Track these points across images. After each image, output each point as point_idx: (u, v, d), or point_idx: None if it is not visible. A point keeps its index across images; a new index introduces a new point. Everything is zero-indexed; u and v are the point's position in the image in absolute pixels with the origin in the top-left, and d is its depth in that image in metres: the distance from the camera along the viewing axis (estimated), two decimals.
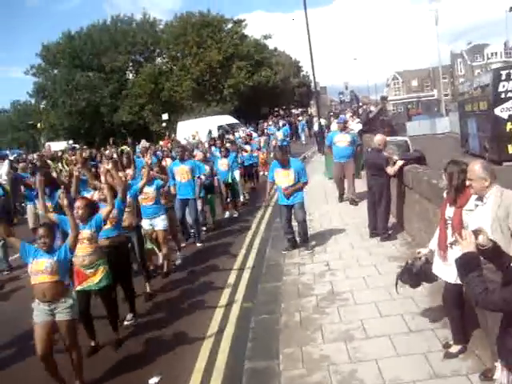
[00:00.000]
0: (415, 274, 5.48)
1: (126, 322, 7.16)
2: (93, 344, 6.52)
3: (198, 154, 13.35)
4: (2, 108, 77.08)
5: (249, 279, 8.65)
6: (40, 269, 5.24)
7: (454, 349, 5.13)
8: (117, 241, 7.02)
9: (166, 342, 6.61)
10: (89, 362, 6.05)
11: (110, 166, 7.58)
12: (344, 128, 13.30)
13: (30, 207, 11.82)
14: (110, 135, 52.67)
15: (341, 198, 13.20)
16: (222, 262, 9.88)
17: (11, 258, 10.87)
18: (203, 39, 49.73)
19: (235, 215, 14.02)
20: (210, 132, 27.68)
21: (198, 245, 11.07)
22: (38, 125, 49.79)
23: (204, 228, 12.26)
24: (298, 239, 9.72)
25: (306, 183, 9.52)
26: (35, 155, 25.58)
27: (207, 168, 12.07)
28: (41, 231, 5.39)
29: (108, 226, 6.82)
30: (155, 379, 5.66)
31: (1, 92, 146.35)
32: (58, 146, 32.54)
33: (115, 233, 7.02)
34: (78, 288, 6.30)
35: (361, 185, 12.70)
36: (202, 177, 11.55)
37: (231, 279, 8.75)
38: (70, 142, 36.44)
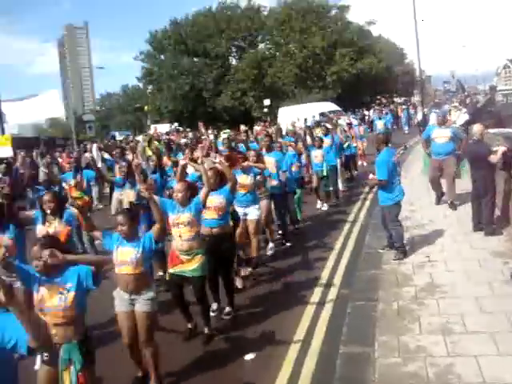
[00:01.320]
0: None
1: (224, 316, 7.00)
2: (189, 326, 6.44)
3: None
4: (112, 92, 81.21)
5: (347, 266, 8.67)
6: (125, 259, 5.10)
7: None
8: (222, 231, 6.82)
9: (261, 326, 6.69)
10: (184, 344, 6.30)
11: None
12: (443, 122, 11.78)
13: (115, 194, 11.32)
14: (213, 119, 54.26)
15: (438, 200, 11.70)
16: (319, 248, 9.91)
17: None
18: (307, 25, 49.58)
19: (324, 208, 13.23)
20: (306, 120, 27.29)
21: (288, 244, 10.33)
22: (145, 107, 51.83)
23: (296, 226, 11.37)
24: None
25: (380, 182, 8.35)
26: (141, 137, 26.68)
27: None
28: (119, 218, 5.19)
29: (214, 216, 6.74)
30: (251, 355, 5.83)
31: (113, 76, 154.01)
32: (162, 128, 33.76)
33: (222, 223, 6.82)
34: (171, 271, 6.23)
35: (464, 185, 11.76)
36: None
37: (329, 264, 8.82)
38: (175, 124, 37.55)
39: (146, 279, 5.26)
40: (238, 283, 7.94)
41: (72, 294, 4.14)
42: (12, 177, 14.69)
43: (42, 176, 15.38)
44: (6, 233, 6.20)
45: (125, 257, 5.13)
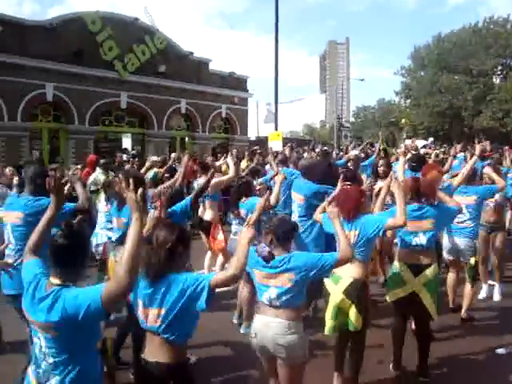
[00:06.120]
0: None
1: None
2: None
3: None
4: (368, 105, 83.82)
5: None
6: None
7: None
8: None
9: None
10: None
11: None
12: None
13: None
14: (468, 140, 52.62)
15: None
16: None
17: None
18: None
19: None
20: None
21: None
22: (403, 120, 52.20)
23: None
24: None
25: None
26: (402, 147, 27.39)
27: None
28: None
29: None
30: (503, 350, 6.11)
31: (370, 91, 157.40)
32: (418, 143, 34.21)
33: None
34: None
35: None
36: None
37: None
38: (431, 139, 37.43)
39: None
40: None
41: None
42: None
43: None
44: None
45: None
